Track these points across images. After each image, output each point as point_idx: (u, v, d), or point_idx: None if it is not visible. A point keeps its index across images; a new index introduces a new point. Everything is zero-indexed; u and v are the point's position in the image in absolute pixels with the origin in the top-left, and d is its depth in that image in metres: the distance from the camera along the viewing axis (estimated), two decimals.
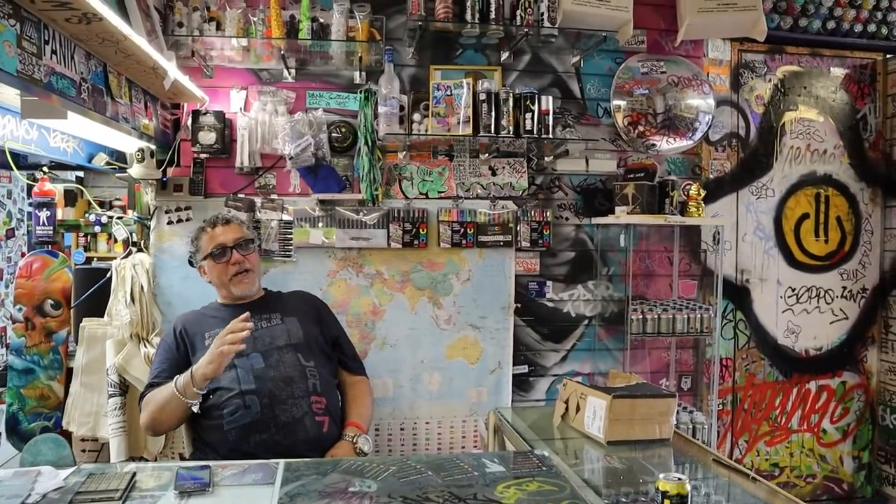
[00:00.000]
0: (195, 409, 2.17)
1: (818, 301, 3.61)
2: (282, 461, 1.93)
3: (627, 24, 2.95)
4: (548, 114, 2.87)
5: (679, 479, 1.50)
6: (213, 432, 2.25)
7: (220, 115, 2.85)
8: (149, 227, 3.00)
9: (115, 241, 5.04)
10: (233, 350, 2.07)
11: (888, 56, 3.62)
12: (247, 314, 2.14)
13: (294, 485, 1.75)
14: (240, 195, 2.96)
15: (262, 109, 2.91)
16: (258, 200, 2.96)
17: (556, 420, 2.45)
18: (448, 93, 2.81)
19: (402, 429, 3.12)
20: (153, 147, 2.85)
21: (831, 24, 3.47)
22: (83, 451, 2.97)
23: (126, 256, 2.95)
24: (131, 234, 3.07)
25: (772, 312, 3.56)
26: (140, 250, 3.03)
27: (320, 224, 3.00)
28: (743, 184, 3.49)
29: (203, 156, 2.92)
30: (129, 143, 2.82)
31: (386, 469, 1.87)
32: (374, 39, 2.83)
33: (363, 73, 3.00)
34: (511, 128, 2.84)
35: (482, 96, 2.80)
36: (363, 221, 3.01)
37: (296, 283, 2.95)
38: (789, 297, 3.57)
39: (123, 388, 2.80)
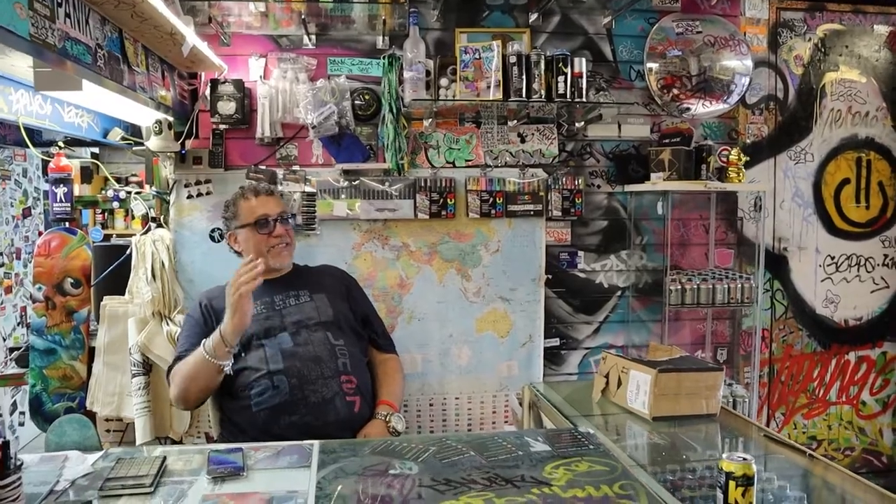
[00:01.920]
0: (228, 369, 2.10)
1: (858, 269, 3.48)
2: (316, 442, 1.85)
3: None
4: (581, 77, 2.74)
5: (744, 458, 1.41)
6: (242, 413, 2.18)
7: (239, 84, 2.75)
8: (168, 202, 2.91)
9: (133, 217, 4.96)
10: (250, 288, 2.02)
11: None
12: (251, 257, 2.09)
13: (331, 467, 1.67)
14: (261, 167, 2.86)
15: (282, 77, 2.80)
16: (280, 172, 2.86)
17: (596, 395, 2.36)
18: (476, 56, 2.68)
19: (430, 405, 3.05)
20: (171, 119, 2.75)
21: None
22: (107, 430, 2.92)
23: (145, 233, 2.87)
24: (150, 209, 2.99)
25: (810, 282, 3.43)
26: (160, 226, 2.94)
27: (344, 195, 2.90)
28: (781, 148, 3.35)
29: (222, 127, 2.82)
30: (146, 115, 2.72)
31: (425, 449, 1.79)
32: (397, 1, 2.70)
33: (386, 38, 2.88)
34: (543, 92, 2.72)
35: (512, 59, 2.67)
36: (389, 192, 2.91)
37: (320, 257, 2.86)
38: (828, 265, 3.45)
39: (147, 367, 2.74)
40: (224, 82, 2.73)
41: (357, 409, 2.20)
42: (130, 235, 3.06)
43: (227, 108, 2.72)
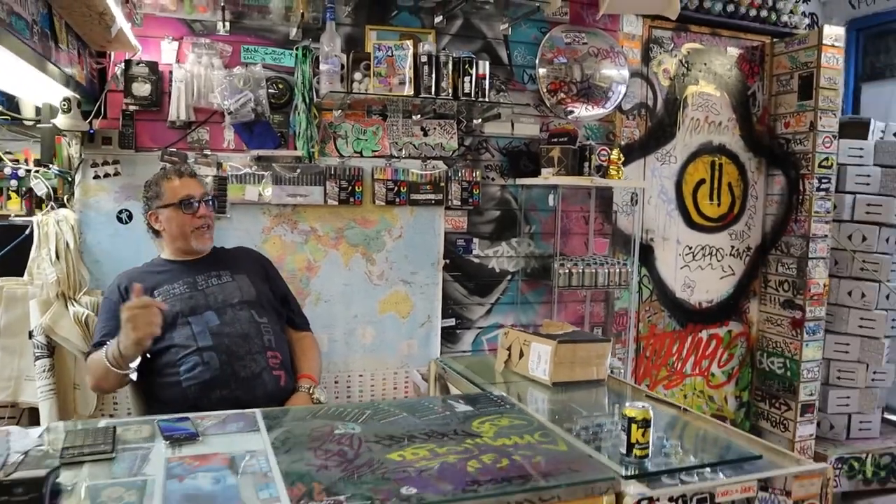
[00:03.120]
0: (133, 376, 2.18)
1: (710, 259, 3.98)
2: (258, 410, 1.98)
3: None
4: (484, 78, 2.99)
5: (644, 406, 1.70)
6: (169, 389, 2.25)
7: (154, 67, 2.77)
8: (71, 182, 2.88)
9: (24, 196, 4.66)
10: (149, 335, 2.04)
11: (775, 40, 3.99)
12: (138, 286, 2.10)
13: (279, 430, 1.82)
14: (172, 149, 2.90)
15: (197, 62, 2.85)
16: (192, 156, 2.91)
17: (500, 366, 2.62)
18: (389, 53, 2.86)
19: (336, 382, 3.20)
20: (79, 97, 2.73)
21: (730, 8, 3.78)
22: (1, 417, 2.85)
23: (47, 212, 2.82)
24: (54, 189, 2.93)
25: (672, 268, 3.89)
26: (62, 205, 2.90)
27: (256, 180, 2.99)
28: (649, 150, 3.77)
29: (132, 108, 2.83)
30: (52, 93, 2.69)
31: (362, 413, 1.97)
32: None
33: (300, 30, 2.99)
34: (450, 90, 2.94)
35: (423, 59, 2.88)
36: (300, 178, 3.03)
37: (230, 240, 2.93)
38: (686, 255, 3.92)
39: (50, 349, 2.71)
40: (139, 64, 2.75)
41: (283, 382, 2.34)
42: (28, 216, 2.99)
43: (142, 89, 2.74)
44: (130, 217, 2.88)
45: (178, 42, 2.88)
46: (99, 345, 2.25)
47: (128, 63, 2.75)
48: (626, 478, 1.57)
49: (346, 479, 1.50)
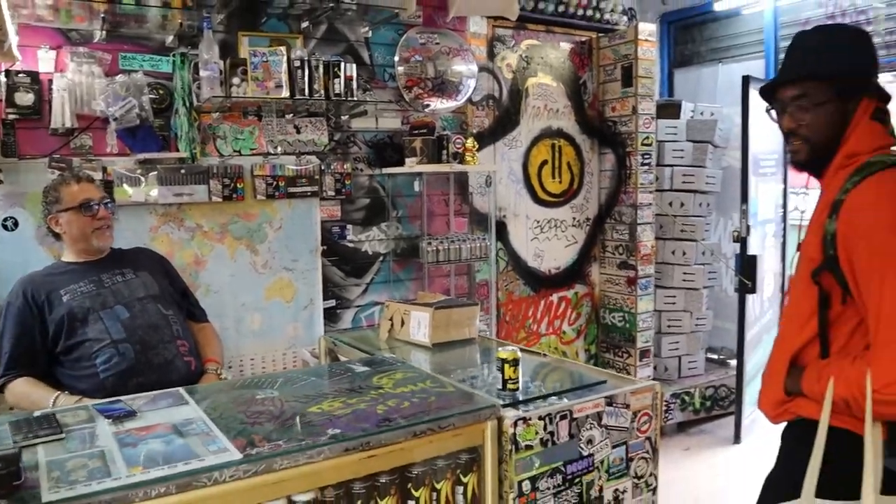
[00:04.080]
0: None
1: (556, 230, 4.53)
2: (181, 388, 2.22)
3: (411, 1, 3.46)
4: (352, 79, 3.31)
5: (512, 349, 2.12)
6: (87, 381, 2.42)
7: (35, 76, 2.87)
8: None
9: None
10: None
11: (600, 35, 4.57)
12: None
13: (207, 401, 2.08)
14: (56, 156, 3.00)
15: (78, 70, 2.96)
16: (77, 161, 3.02)
17: (384, 335, 2.98)
18: (265, 59, 3.11)
19: (229, 367, 3.41)
20: None
21: (561, 8, 4.31)
22: None
23: None
24: None
25: (523, 241, 4.40)
26: None
27: (142, 182, 3.14)
28: (498, 137, 4.24)
29: (11, 117, 2.90)
30: None
31: (275, 381, 2.26)
32: (187, 6, 3.02)
33: (175, 38, 3.17)
34: (322, 91, 3.23)
35: (297, 63, 3.15)
36: (184, 178, 3.22)
37: (119, 240, 3.05)
38: (535, 228, 4.45)
39: None
40: (18, 74, 2.84)
41: (193, 367, 2.59)
42: None
43: (26, 99, 2.83)
44: (16, 224, 2.95)
45: (55, 51, 2.98)
46: (12, 364, 2.41)
47: (8, 73, 2.83)
48: (505, 405, 1.98)
49: (279, 429, 1.80)
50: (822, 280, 1.65)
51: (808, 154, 1.74)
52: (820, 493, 1.55)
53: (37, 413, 2.01)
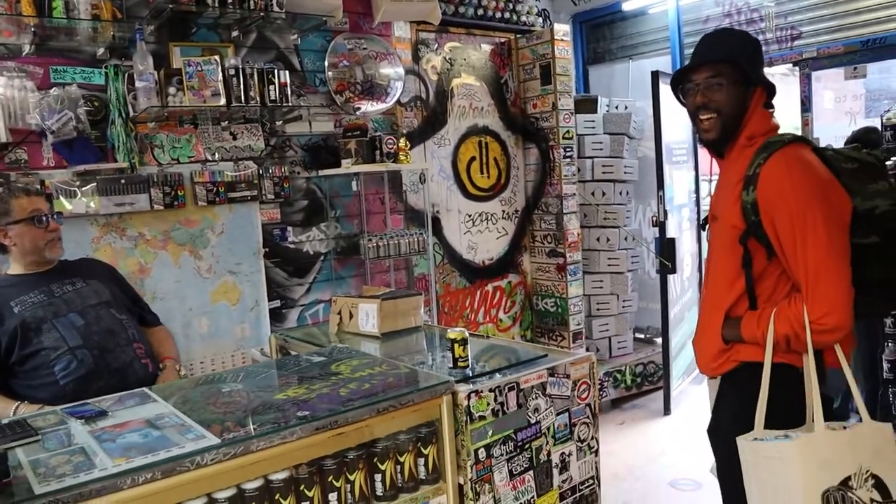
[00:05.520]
0: None
1: (487, 223, 4.74)
2: (145, 388, 2.30)
3: (338, 9, 3.61)
4: (286, 85, 3.42)
5: (460, 329, 2.29)
6: (46, 389, 2.46)
7: None
8: None
9: None
10: None
11: (518, 36, 4.80)
12: None
13: (175, 397, 2.17)
14: None
15: (9, 85, 2.98)
16: (13, 175, 3.04)
17: (333, 328, 3.10)
18: (199, 68, 3.18)
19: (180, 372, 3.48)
20: None
21: (480, 11, 4.52)
22: None
23: None
24: None
25: (457, 235, 4.59)
26: None
27: (80, 195, 3.17)
28: (427, 136, 4.41)
29: None
30: None
31: (237, 375, 2.37)
32: (118, 19, 3.08)
33: (106, 50, 3.21)
34: (258, 98, 3.33)
35: (231, 71, 3.24)
36: (125, 188, 3.26)
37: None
38: (467, 222, 4.64)
39: None
40: None
41: (151, 369, 2.65)
42: None
43: None
44: None
45: None
46: None
47: None
48: (457, 381, 2.15)
49: (251, 415, 1.93)
50: (749, 243, 1.91)
51: (719, 130, 2.00)
52: (766, 426, 1.83)
53: (5, 420, 2.06)
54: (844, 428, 1.78)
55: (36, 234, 2.57)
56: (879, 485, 1.75)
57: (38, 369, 2.48)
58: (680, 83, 2.08)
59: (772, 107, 2.04)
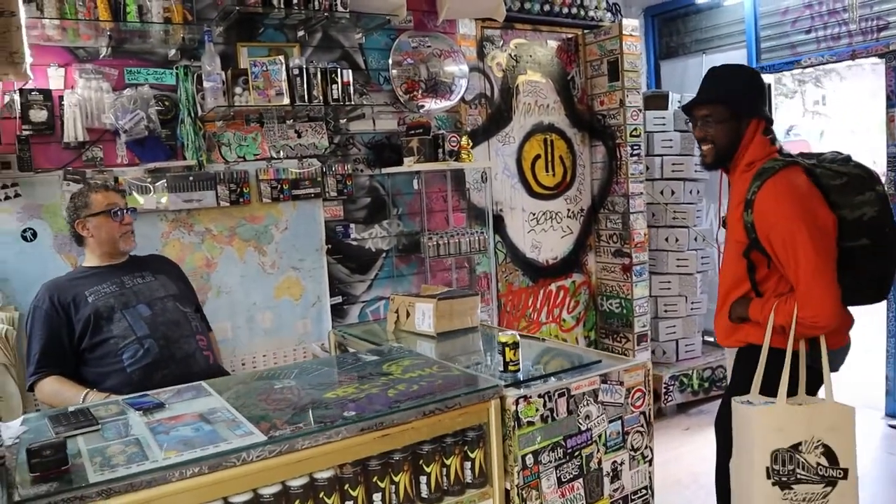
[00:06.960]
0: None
1: (552, 222, 4.68)
2: (203, 381, 2.37)
3: (401, 7, 3.61)
4: (349, 84, 3.45)
5: (512, 333, 2.27)
6: (114, 377, 2.57)
7: (48, 94, 3.01)
8: None
9: None
10: None
11: (585, 31, 4.72)
12: None
13: (229, 392, 2.22)
14: (70, 169, 3.14)
15: (87, 87, 3.10)
16: (90, 172, 3.17)
17: (391, 327, 3.12)
18: (265, 68, 3.25)
19: (243, 364, 3.58)
20: None
21: (546, 7, 4.46)
22: None
23: None
24: None
25: (520, 233, 4.55)
26: None
27: (151, 191, 3.29)
28: (491, 134, 4.38)
29: (26, 133, 3.04)
30: None
31: (291, 372, 2.41)
32: (188, 21, 3.17)
33: (178, 51, 3.31)
34: (321, 97, 3.38)
35: (295, 71, 3.29)
36: (193, 185, 3.36)
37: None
38: (531, 220, 4.59)
39: None
40: (32, 92, 2.98)
41: (212, 361, 2.74)
42: None
43: (39, 115, 2.97)
44: (35, 235, 3.10)
45: (64, 68, 3.12)
46: (42, 363, 2.56)
47: (22, 92, 2.97)
48: (507, 385, 2.13)
49: (299, 413, 1.95)
50: (752, 255, 2.31)
51: (714, 157, 2.42)
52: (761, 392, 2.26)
53: (71, 408, 2.16)
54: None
55: (112, 226, 2.69)
56: (828, 452, 2.17)
57: (107, 357, 2.58)
58: (688, 113, 2.49)
59: (771, 132, 2.40)
